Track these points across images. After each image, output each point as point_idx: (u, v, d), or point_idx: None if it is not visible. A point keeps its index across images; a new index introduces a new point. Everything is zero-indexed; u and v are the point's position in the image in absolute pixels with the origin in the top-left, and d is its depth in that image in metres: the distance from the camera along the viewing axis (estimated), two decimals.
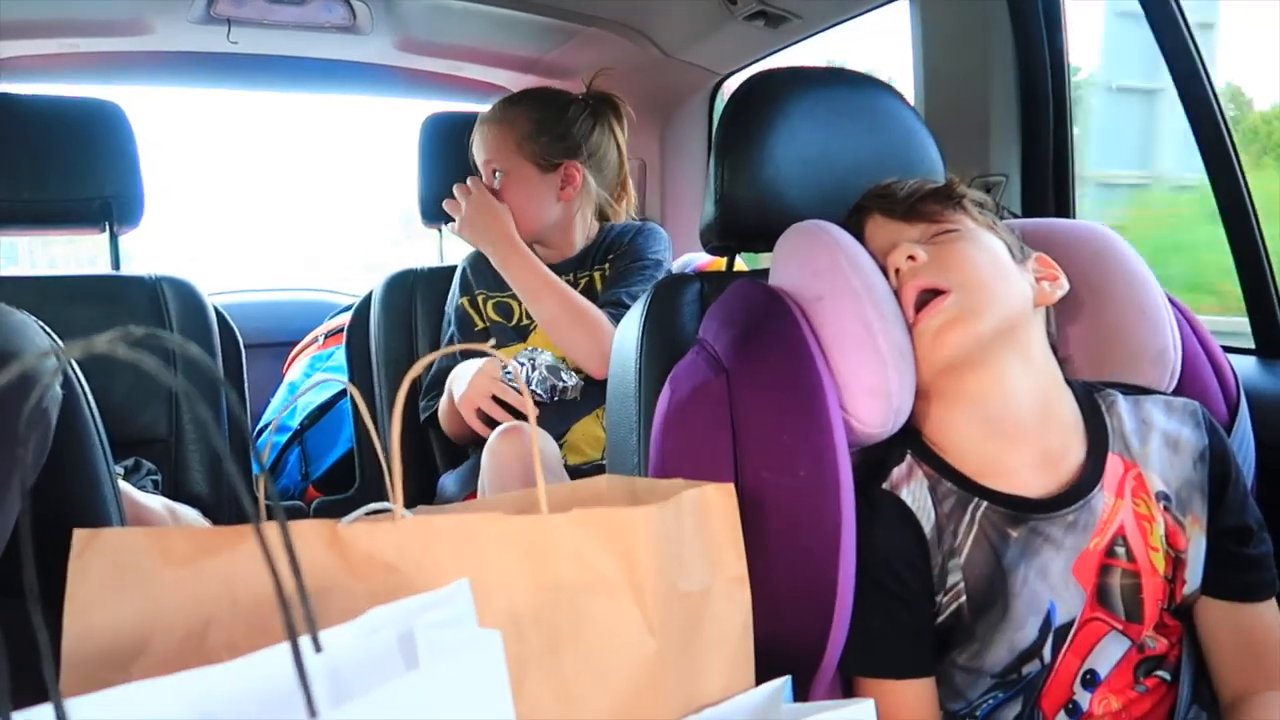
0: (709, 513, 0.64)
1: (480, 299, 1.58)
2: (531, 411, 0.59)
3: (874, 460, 0.82)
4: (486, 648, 0.41)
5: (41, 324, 0.71)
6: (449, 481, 1.58)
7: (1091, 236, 0.94)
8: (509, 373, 1.40)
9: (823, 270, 0.80)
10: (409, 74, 2.15)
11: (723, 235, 1.01)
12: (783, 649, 0.69)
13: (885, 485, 0.81)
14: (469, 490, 1.47)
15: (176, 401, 1.49)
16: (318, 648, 0.40)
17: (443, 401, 1.52)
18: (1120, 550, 0.78)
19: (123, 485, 1.15)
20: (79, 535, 0.53)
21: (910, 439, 0.82)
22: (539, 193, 1.54)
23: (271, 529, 0.38)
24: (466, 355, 1.52)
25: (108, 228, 1.63)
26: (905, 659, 0.78)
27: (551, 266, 1.54)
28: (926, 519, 0.79)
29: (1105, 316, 0.91)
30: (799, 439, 0.73)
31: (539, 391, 1.41)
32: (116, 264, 1.67)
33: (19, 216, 1.58)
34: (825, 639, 0.72)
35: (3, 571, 0.58)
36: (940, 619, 0.79)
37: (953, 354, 0.78)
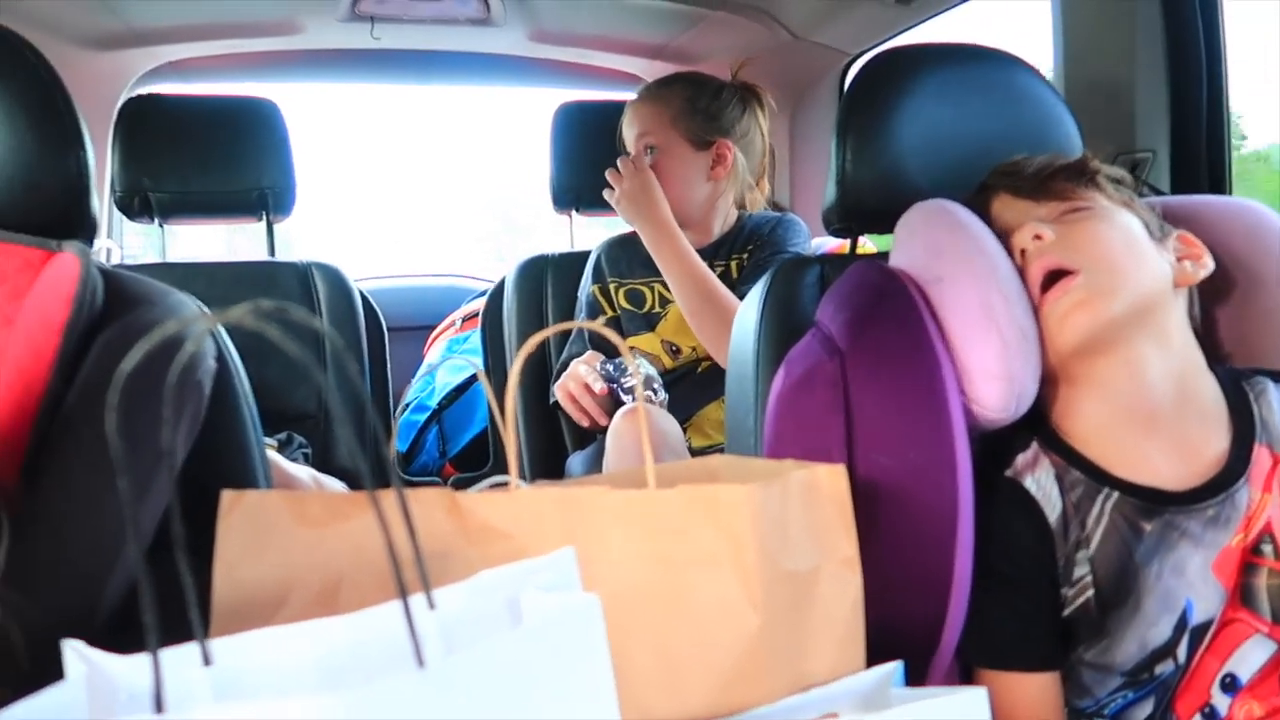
0: (818, 493, 0.64)
1: (612, 287, 1.61)
2: (641, 405, 0.60)
3: (997, 446, 0.80)
4: (586, 610, 0.43)
5: (199, 303, 0.77)
6: (576, 462, 1.63)
7: (1244, 214, 0.88)
8: (617, 365, 1.43)
9: (943, 250, 0.79)
10: (540, 64, 2.21)
11: (844, 217, 1.00)
12: (897, 634, 0.69)
13: (1008, 473, 0.78)
14: (594, 471, 1.51)
15: (325, 380, 1.59)
16: (431, 605, 0.43)
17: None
18: (1267, 548, 0.73)
19: (274, 456, 1.23)
20: (226, 496, 0.58)
21: (1036, 425, 0.79)
22: (690, 170, 1.55)
23: (394, 496, 0.41)
24: (594, 339, 1.56)
25: (264, 217, 1.75)
26: (1026, 651, 0.75)
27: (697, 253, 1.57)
28: (1052, 509, 0.76)
29: (1258, 299, 0.85)
30: (914, 422, 0.72)
31: (626, 397, 1.43)
32: (272, 251, 1.79)
33: (186, 207, 1.72)
34: (940, 626, 0.71)
35: (165, 529, 0.64)
36: (1066, 612, 0.76)
37: (1081, 337, 0.75)
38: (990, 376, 0.73)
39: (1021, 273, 0.78)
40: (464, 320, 2.19)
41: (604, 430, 1.43)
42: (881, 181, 0.97)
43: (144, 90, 1.98)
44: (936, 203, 0.85)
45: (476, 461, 1.95)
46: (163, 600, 0.61)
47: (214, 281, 1.63)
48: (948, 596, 0.69)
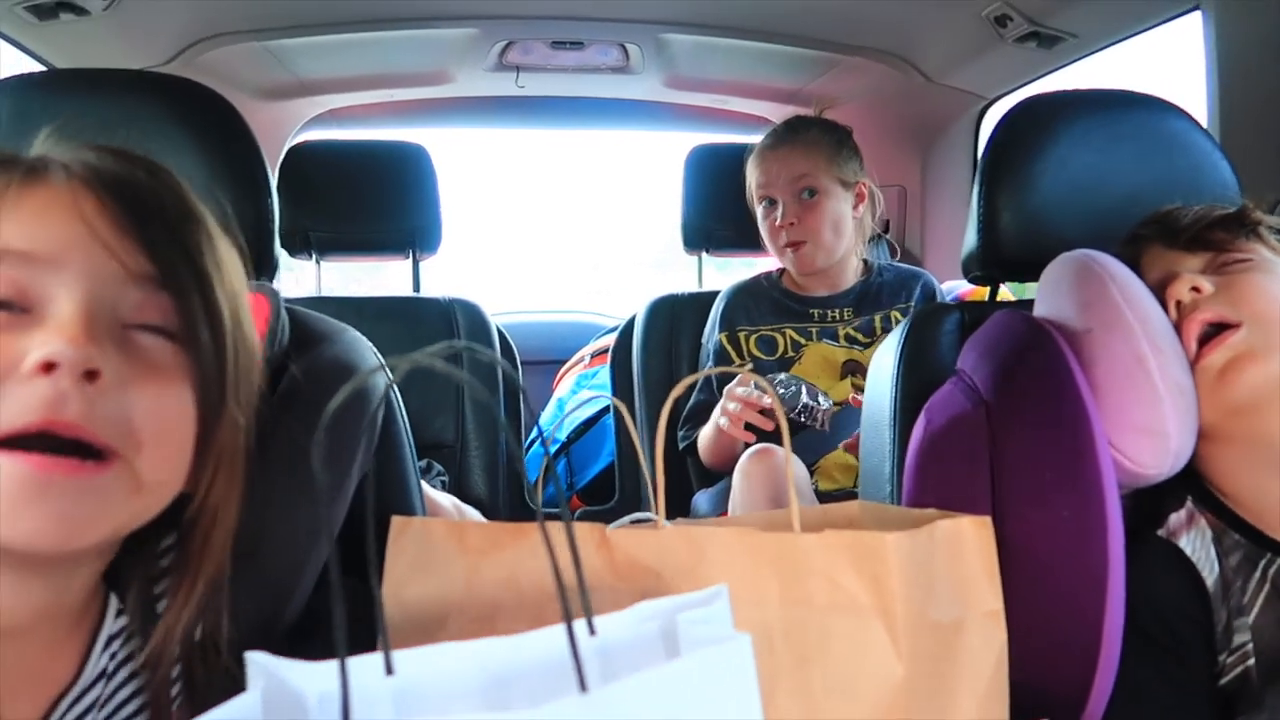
0: (963, 544, 0.64)
1: (742, 335, 1.62)
2: (778, 409, 0.62)
3: (1148, 504, 0.77)
4: (739, 646, 0.44)
5: (367, 341, 0.83)
6: (702, 500, 1.64)
7: None
8: (781, 382, 1.43)
9: (1092, 301, 0.77)
10: (676, 109, 2.26)
11: (985, 264, 1.00)
12: (1041, 692, 0.67)
13: (1161, 532, 0.76)
14: (721, 509, 1.52)
15: (463, 411, 1.66)
16: (591, 631, 0.45)
17: (704, 432, 1.57)
18: None
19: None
20: (395, 522, 0.62)
21: (1191, 484, 0.77)
22: (844, 210, 1.58)
23: (555, 527, 0.43)
24: (724, 383, 1.57)
25: (411, 255, 1.85)
26: (1179, 716, 0.72)
27: (831, 298, 1.60)
28: (1209, 572, 0.73)
29: None
30: (1062, 477, 0.71)
31: (796, 415, 1.43)
32: (417, 287, 1.89)
33: (339, 245, 1.83)
34: (1088, 687, 0.69)
35: (344, 551, 0.69)
36: (1223, 681, 0.73)
37: (1242, 394, 0.72)
38: (1144, 432, 0.71)
39: (1176, 327, 0.76)
40: (593, 356, 2.24)
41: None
42: (1025, 230, 0.96)
43: (306, 136, 2.13)
44: (1084, 253, 0.83)
45: (603, 495, 1.99)
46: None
47: (363, 315, 1.72)
48: (1096, 658, 0.68)
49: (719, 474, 1.61)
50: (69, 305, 0.49)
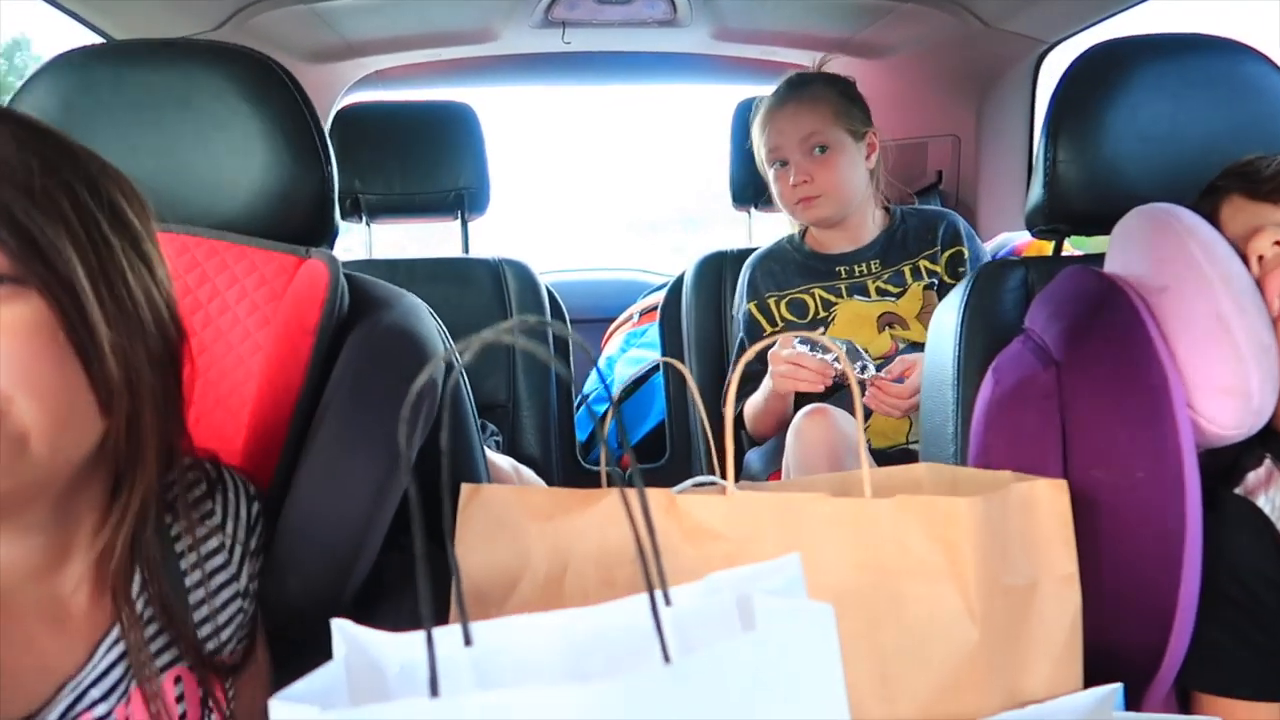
0: (1037, 508, 0.63)
1: (771, 301, 1.60)
2: (842, 361, 0.61)
3: (1223, 461, 0.75)
4: (820, 617, 0.44)
5: (426, 305, 0.84)
6: (754, 458, 1.64)
7: None
8: (806, 345, 1.42)
9: (1168, 257, 0.75)
10: (724, 61, 2.22)
11: (1051, 218, 0.97)
12: (1114, 655, 0.67)
13: (1238, 490, 0.74)
14: (773, 468, 1.52)
15: (515, 372, 1.67)
16: (667, 601, 0.45)
17: (751, 402, 1.56)
18: None
19: None
20: (465, 489, 0.63)
21: (1270, 441, 0.75)
22: (855, 162, 1.56)
23: (627, 494, 0.43)
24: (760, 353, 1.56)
25: (460, 216, 1.85)
26: (1255, 677, 0.71)
27: (855, 253, 1.58)
28: None
29: None
30: (1138, 438, 0.69)
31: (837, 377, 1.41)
32: (466, 247, 1.89)
33: (389, 207, 1.84)
34: (1162, 649, 0.68)
35: (404, 517, 0.69)
36: None
37: None
38: (1224, 392, 0.69)
39: (1259, 282, 0.74)
40: (641, 314, 2.23)
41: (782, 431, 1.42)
42: (1094, 182, 0.93)
43: (352, 98, 2.13)
44: (1158, 206, 0.81)
45: (652, 453, 1.99)
46: (404, 584, 0.66)
47: (414, 276, 1.73)
48: (1171, 619, 0.67)
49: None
50: None
